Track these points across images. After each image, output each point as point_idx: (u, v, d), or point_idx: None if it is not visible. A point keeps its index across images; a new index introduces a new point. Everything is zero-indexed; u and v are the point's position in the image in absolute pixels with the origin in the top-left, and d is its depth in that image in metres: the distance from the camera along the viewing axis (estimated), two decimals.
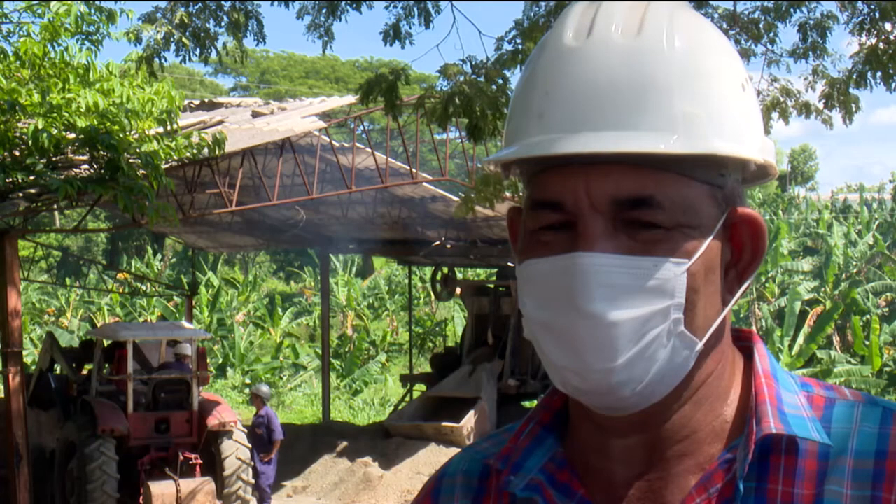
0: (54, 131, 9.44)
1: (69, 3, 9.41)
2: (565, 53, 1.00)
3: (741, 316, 28.38)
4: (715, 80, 1.00)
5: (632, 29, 0.99)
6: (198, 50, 9.41)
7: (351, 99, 15.52)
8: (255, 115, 14.97)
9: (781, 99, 9.70)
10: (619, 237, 0.97)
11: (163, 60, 9.42)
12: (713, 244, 1.00)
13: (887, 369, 25.41)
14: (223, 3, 9.64)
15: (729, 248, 1.03)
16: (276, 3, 9.69)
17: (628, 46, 0.98)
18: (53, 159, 10.40)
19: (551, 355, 1.00)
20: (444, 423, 16.75)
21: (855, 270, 30.23)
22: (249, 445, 13.33)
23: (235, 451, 13.11)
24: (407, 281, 27.81)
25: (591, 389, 0.99)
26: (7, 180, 9.90)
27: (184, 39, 9.21)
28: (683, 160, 0.97)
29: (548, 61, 1.01)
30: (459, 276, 22.66)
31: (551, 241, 1.00)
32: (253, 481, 13.32)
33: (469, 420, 16.69)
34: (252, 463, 13.29)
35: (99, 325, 26.66)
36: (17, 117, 9.65)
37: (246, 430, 13.48)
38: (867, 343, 25.74)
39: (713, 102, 0.99)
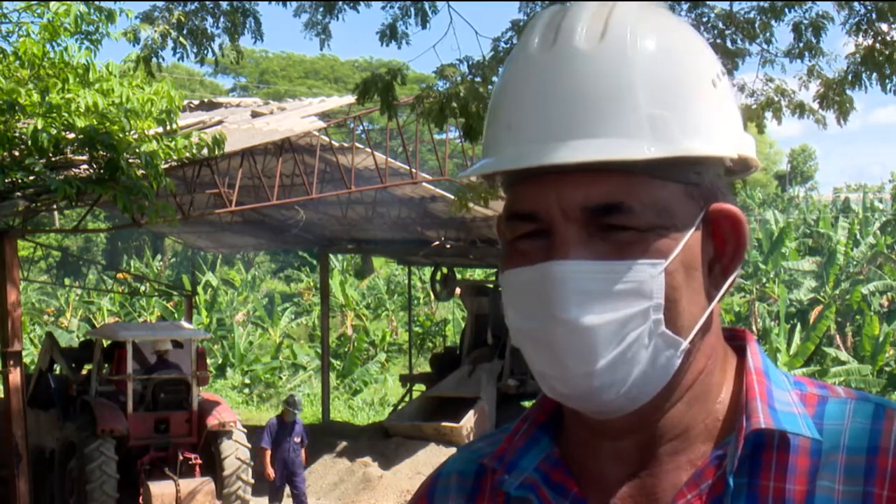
0: (53, 131, 9.44)
1: (68, 2, 9.40)
2: (531, 63, 1.01)
3: (743, 316, 28.38)
4: (683, 79, 1.01)
5: (595, 35, 0.99)
6: (195, 49, 9.39)
7: (350, 99, 15.50)
8: (255, 115, 14.97)
9: (776, 98, 9.69)
10: (593, 243, 0.98)
11: (161, 60, 9.41)
12: (691, 242, 1.01)
13: (887, 369, 25.40)
14: (220, 1, 9.62)
15: (711, 244, 1.04)
16: (273, 1, 9.68)
17: (592, 52, 0.99)
18: (53, 159, 10.40)
19: (535, 363, 1.02)
20: (444, 423, 16.73)
21: (856, 270, 30.21)
22: (249, 445, 13.33)
23: (235, 451, 13.11)
24: (406, 281, 27.79)
25: (574, 394, 1.00)
26: (7, 180, 9.90)
27: (181, 39, 9.20)
28: (654, 163, 0.98)
29: (515, 72, 1.03)
30: (459, 276, 22.65)
31: (528, 250, 1.01)
32: (252, 481, 13.30)
33: (469, 420, 16.68)
34: (251, 463, 13.29)
35: (98, 326, 26.65)
36: (17, 117, 9.65)
37: (246, 432, 13.49)
38: (867, 343, 25.73)
39: (681, 103, 1.00)
